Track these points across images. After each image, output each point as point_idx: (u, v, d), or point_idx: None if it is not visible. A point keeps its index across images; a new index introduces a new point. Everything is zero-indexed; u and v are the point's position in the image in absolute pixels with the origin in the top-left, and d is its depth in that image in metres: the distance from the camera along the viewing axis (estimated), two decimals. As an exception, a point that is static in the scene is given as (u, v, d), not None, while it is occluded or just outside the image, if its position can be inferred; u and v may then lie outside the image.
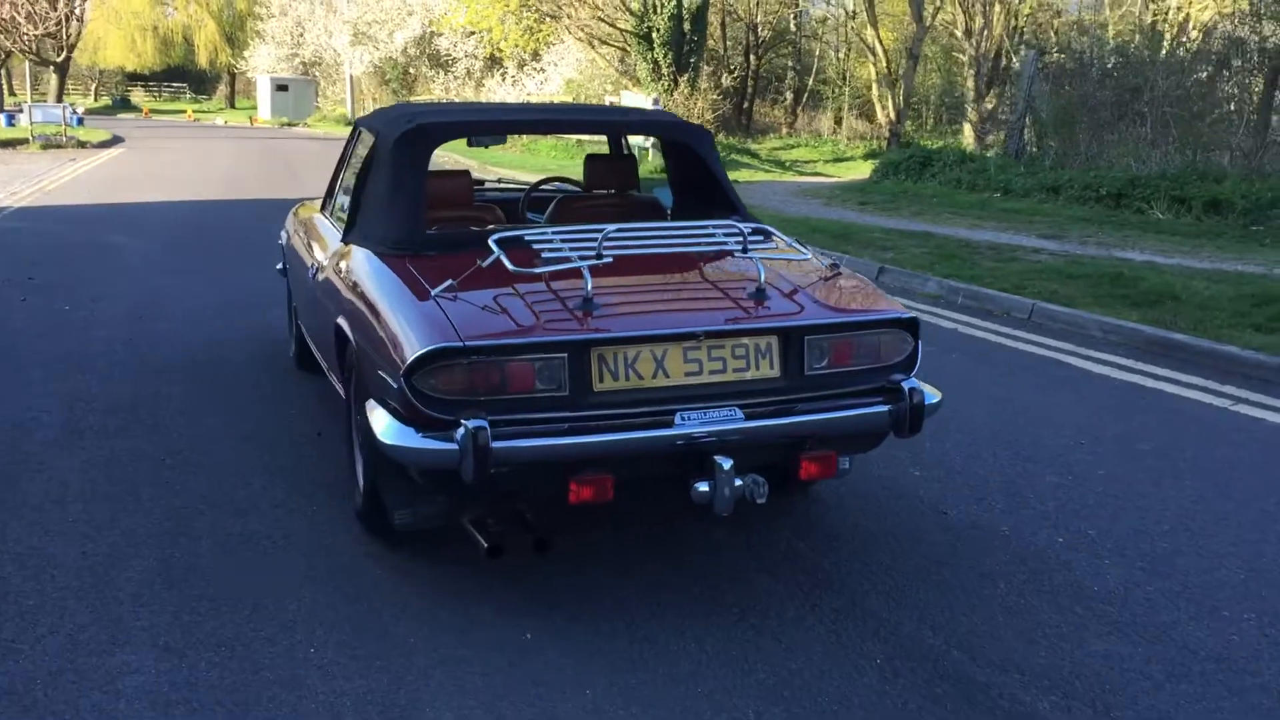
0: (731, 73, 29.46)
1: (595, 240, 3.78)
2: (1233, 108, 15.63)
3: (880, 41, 28.79)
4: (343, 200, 5.35)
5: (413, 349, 3.41)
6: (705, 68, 27.01)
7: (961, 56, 29.79)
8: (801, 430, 3.67)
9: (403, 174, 4.41)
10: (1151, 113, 15.23)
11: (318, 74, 50.64)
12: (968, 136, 26.74)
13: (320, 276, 4.89)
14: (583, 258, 3.70)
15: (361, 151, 5.30)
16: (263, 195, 16.86)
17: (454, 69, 39.07)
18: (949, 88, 31.78)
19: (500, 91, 33.90)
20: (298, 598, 3.76)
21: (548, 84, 33.23)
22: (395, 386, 3.47)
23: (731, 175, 20.73)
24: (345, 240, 4.77)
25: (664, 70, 25.03)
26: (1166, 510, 4.58)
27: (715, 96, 25.94)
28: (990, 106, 27.09)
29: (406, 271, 3.98)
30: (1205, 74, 16.33)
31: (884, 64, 28.93)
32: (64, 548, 4.13)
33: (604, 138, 5.89)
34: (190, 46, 60.11)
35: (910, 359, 3.91)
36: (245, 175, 20.97)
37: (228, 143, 31.49)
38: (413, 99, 40.46)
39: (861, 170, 23.10)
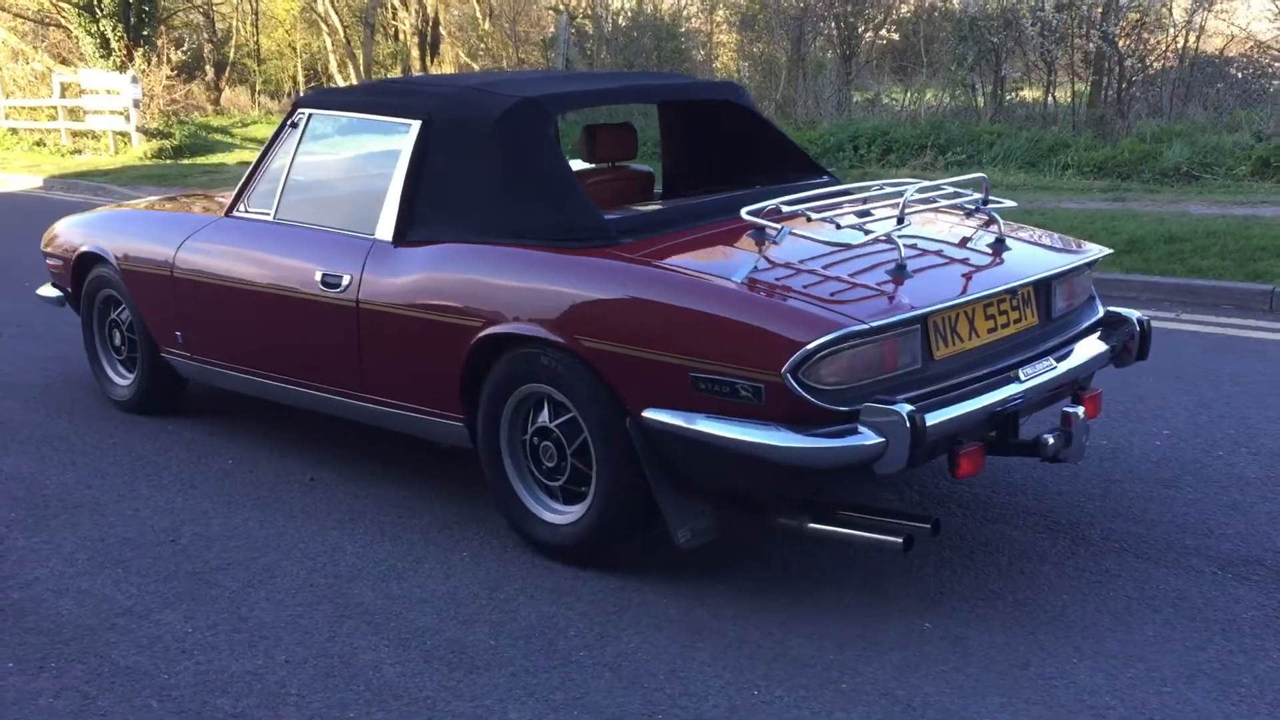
0: (180, 46, 26.93)
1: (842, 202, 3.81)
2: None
3: (336, 12, 27.91)
4: (299, 197, 4.58)
5: (807, 337, 3.12)
6: (162, 41, 24.41)
7: (402, 26, 29.93)
8: (1089, 369, 3.87)
9: (536, 157, 3.96)
10: (676, 66, 16.56)
11: None
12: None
13: (392, 286, 4.01)
14: (873, 224, 3.62)
15: (312, 146, 4.64)
16: None
17: None
18: (394, 54, 31.70)
19: None
20: (711, 674, 3.16)
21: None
22: (760, 386, 3.18)
23: (220, 159, 18.80)
24: (402, 240, 4.09)
25: (114, 44, 22.39)
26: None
27: (170, 72, 23.54)
28: (437, 71, 27.36)
29: (645, 262, 3.60)
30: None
31: (340, 34, 28.17)
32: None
33: None
34: None
35: (1093, 293, 4.25)
36: None
37: None
38: None
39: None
